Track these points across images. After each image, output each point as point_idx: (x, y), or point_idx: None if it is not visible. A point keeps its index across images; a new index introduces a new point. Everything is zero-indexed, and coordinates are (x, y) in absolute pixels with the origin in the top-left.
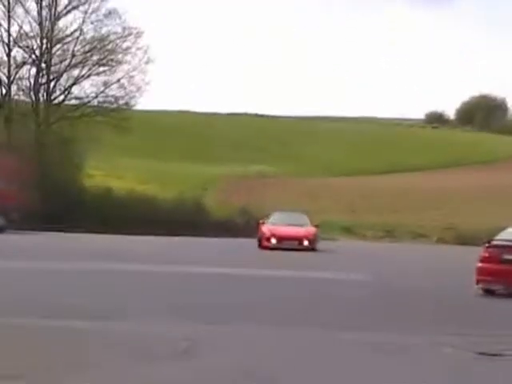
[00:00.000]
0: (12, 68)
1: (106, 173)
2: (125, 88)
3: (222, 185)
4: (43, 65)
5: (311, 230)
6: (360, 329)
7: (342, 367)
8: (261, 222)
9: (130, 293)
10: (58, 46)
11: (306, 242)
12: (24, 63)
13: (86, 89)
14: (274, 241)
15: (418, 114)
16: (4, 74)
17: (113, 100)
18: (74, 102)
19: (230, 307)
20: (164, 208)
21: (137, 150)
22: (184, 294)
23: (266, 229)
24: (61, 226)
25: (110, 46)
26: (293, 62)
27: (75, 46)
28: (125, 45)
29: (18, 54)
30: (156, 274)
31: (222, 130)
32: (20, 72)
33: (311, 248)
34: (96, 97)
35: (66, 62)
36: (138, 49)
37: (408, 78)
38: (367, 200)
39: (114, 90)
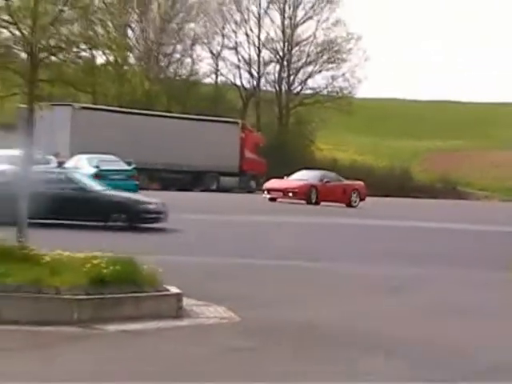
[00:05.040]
0: (261, 65)
1: (333, 147)
2: (348, 80)
3: (425, 156)
4: (285, 63)
5: (304, 184)
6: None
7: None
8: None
9: (353, 242)
10: (296, 48)
11: (290, 194)
12: (270, 61)
13: (318, 81)
14: (266, 193)
15: None
16: (255, 70)
17: (339, 90)
18: (308, 91)
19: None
20: (378, 174)
21: (357, 129)
22: (394, 242)
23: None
24: None
25: (336, 48)
26: (479, 57)
27: (310, 47)
28: (348, 46)
29: (265, 54)
30: (373, 227)
31: (426, 113)
32: (267, 68)
33: (302, 199)
34: (326, 87)
35: (303, 61)
36: (359, 49)
37: None
38: None
39: (339, 82)
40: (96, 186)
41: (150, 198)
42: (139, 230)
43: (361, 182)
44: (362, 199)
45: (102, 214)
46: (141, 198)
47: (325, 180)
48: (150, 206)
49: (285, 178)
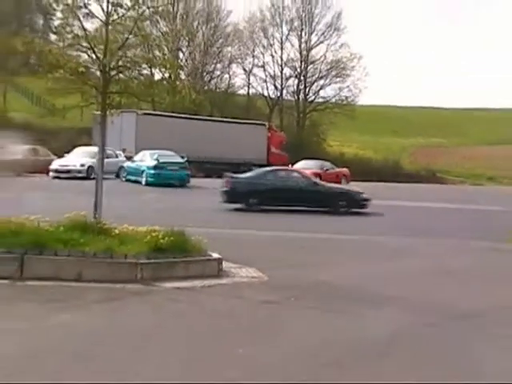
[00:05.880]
0: (283, 80)
1: (340, 143)
2: (352, 91)
3: (412, 151)
4: (302, 77)
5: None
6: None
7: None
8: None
9: (371, 221)
10: (311, 66)
11: None
12: (290, 77)
13: (328, 92)
14: None
15: None
16: (279, 83)
17: (344, 98)
18: (320, 100)
19: (424, 227)
20: (376, 165)
21: (359, 129)
22: (400, 220)
23: None
24: None
25: (342, 66)
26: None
27: (321, 65)
28: (351, 64)
29: (286, 71)
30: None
31: (412, 117)
32: (288, 82)
33: None
34: (334, 96)
35: (316, 76)
36: (360, 66)
37: None
38: (507, 160)
39: (345, 92)
40: (318, 181)
41: (359, 189)
42: (353, 213)
43: (346, 169)
44: (347, 183)
45: (330, 202)
46: (355, 189)
47: (325, 168)
48: (363, 195)
49: (289, 166)
